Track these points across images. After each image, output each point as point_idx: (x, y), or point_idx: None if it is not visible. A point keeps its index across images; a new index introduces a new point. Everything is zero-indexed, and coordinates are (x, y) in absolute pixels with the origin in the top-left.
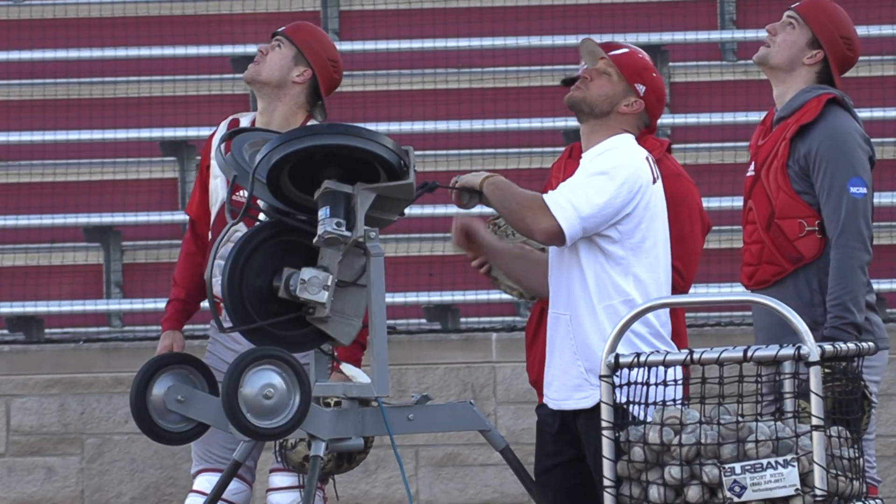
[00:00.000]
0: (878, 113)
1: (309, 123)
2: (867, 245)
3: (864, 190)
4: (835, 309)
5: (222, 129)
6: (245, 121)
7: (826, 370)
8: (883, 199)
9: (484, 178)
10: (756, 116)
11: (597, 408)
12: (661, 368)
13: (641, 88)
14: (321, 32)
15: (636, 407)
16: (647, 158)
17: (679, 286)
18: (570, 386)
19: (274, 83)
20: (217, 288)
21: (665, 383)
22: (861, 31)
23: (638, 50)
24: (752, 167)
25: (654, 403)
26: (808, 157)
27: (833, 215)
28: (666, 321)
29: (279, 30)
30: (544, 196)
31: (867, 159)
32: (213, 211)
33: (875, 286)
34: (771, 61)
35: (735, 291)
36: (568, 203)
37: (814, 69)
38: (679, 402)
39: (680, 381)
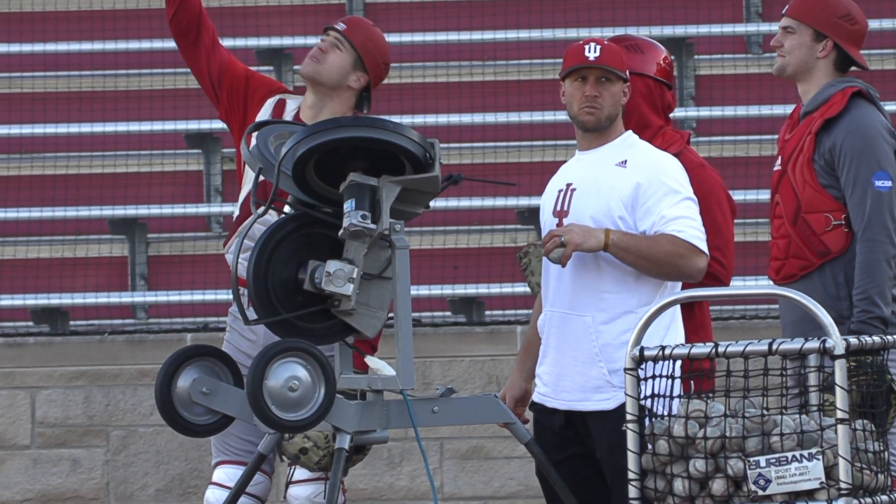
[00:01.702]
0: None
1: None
2: (893, 238)
3: (889, 183)
4: (861, 303)
5: (267, 107)
6: (292, 104)
7: (852, 363)
8: None
9: (606, 238)
10: (781, 110)
11: (617, 409)
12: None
13: (625, 73)
14: (378, 33)
15: (659, 400)
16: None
17: (721, 275)
18: (590, 388)
19: (331, 85)
20: (242, 270)
21: (691, 377)
22: (886, 24)
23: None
24: (778, 161)
25: (679, 396)
26: (833, 151)
27: (858, 209)
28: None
29: (338, 26)
30: (678, 235)
31: (892, 152)
32: (244, 191)
33: None
34: (788, 71)
35: (760, 285)
36: (700, 232)
37: (829, 59)
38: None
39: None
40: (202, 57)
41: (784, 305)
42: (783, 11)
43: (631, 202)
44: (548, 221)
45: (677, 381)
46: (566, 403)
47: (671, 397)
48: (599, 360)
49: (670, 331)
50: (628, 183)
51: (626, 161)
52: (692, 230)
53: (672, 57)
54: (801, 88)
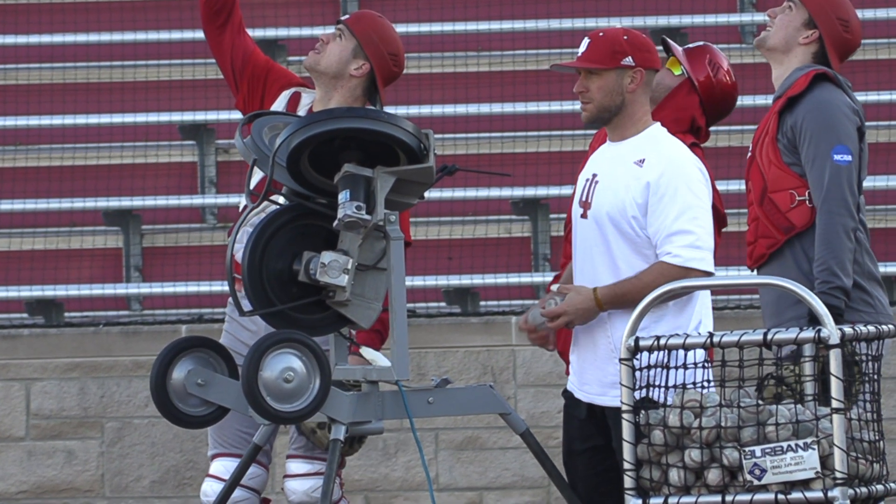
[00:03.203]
0: (885, 96)
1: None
2: (852, 211)
3: (848, 157)
4: (822, 274)
5: (282, 99)
6: (307, 98)
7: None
8: (890, 182)
9: (595, 299)
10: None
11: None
12: (682, 352)
13: (628, 60)
14: (383, 24)
15: (655, 390)
16: (686, 148)
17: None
18: (607, 383)
19: (331, 74)
20: (239, 255)
21: (685, 366)
22: (868, 14)
23: (599, 32)
24: (750, 149)
25: (675, 386)
26: (794, 128)
27: (818, 183)
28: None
29: (342, 17)
30: (670, 261)
31: (855, 129)
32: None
33: (882, 269)
34: (768, 43)
35: (755, 274)
36: (695, 249)
37: (809, 49)
38: (699, 384)
39: (700, 364)
40: (227, 43)
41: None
42: None
43: (644, 202)
44: (575, 210)
45: (679, 371)
46: (588, 396)
47: (667, 387)
48: (615, 356)
49: (700, 321)
50: (641, 183)
51: (643, 160)
52: (687, 251)
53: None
54: (774, 73)
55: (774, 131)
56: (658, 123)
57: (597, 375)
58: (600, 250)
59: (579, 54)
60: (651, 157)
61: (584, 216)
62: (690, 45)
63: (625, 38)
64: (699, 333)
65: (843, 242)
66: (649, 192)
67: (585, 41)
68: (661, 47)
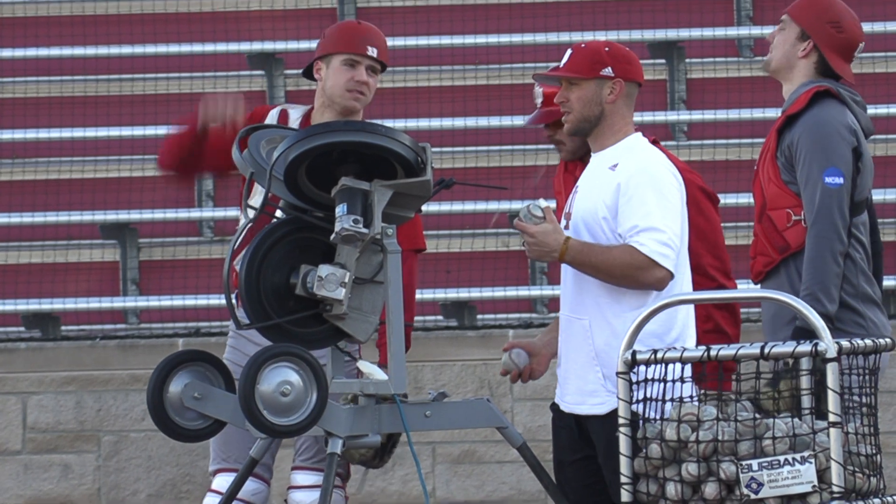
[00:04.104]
0: (881, 109)
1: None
2: (841, 234)
3: (839, 180)
4: (806, 299)
5: (272, 117)
6: (295, 113)
7: (785, 366)
8: (888, 195)
9: (563, 247)
10: (773, 113)
11: (610, 413)
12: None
13: (608, 70)
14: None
15: (652, 404)
16: (664, 156)
17: (718, 276)
18: (587, 391)
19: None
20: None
21: (682, 380)
22: (866, 27)
23: (579, 45)
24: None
25: (672, 400)
26: (791, 147)
27: (809, 205)
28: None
29: (370, 52)
30: (639, 248)
31: (849, 150)
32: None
33: (886, 282)
34: (771, 65)
35: (752, 288)
36: (664, 246)
37: (810, 61)
38: (696, 398)
39: (688, 379)
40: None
41: (764, 302)
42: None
43: (613, 203)
44: (562, 222)
45: (676, 384)
46: (569, 406)
47: (664, 401)
48: (595, 364)
49: (685, 333)
50: (612, 185)
51: (617, 164)
52: (656, 244)
53: (663, 60)
54: (784, 89)
55: (774, 149)
56: (639, 134)
57: (577, 385)
58: None
59: (561, 65)
60: (623, 161)
61: (566, 227)
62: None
63: (606, 49)
64: (676, 348)
65: (829, 267)
66: (619, 193)
67: (568, 52)
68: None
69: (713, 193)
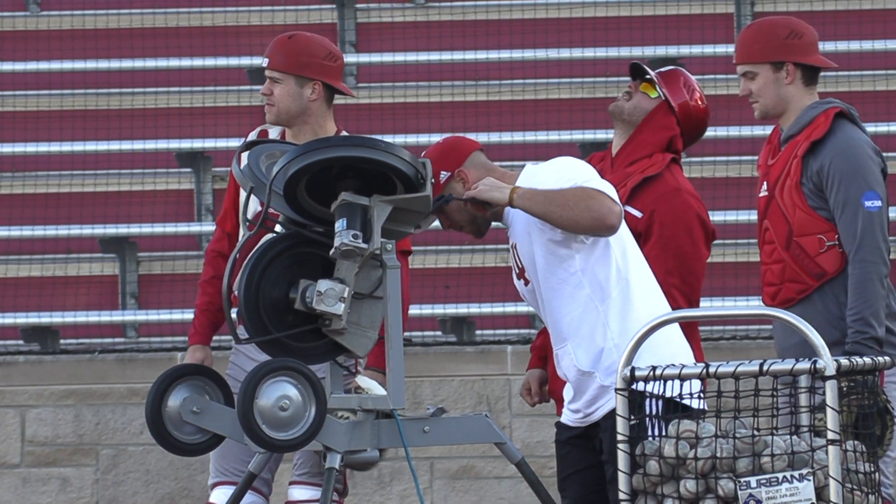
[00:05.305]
0: (882, 127)
1: (326, 136)
2: (885, 258)
3: (878, 203)
4: (856, 324)
5: (252, 137)
6: (274, 133)
7: (848, 384)
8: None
9: (511, 191)
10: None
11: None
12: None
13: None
14: (297, 41)
15: (650, 420)
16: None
17: (683, 303)
18: (590, 400)
19: (295, 114)
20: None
21: (681, 396)
22: (866, 46)
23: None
24: (764, 187)
25: (670, 417)
26: (820, 173)
27: (849, 230)
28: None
29: (264, 65)
30: (587, 186)
31: (879, 171)
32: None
33: None
34: (771, 112)
35: (752, 305)
36: (605, 190)
37: (797, 81)
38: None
39: (696, 395)
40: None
41: (779, 331)
42: (734, 61)
43: (535, 222)
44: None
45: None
46: (583, 420)
47: (662, 417)
48: (592, 377)
49: (678, 350)
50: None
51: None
52: (592, 186)
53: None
54: (782, 119)
55: (798, 175)
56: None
57: (583, 400)
58: (552, 297)
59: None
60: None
61: (526, 284)
62: (663, 69)
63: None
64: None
65: (877, 291)
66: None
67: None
68: (636, 75)
69: (712, 228)
